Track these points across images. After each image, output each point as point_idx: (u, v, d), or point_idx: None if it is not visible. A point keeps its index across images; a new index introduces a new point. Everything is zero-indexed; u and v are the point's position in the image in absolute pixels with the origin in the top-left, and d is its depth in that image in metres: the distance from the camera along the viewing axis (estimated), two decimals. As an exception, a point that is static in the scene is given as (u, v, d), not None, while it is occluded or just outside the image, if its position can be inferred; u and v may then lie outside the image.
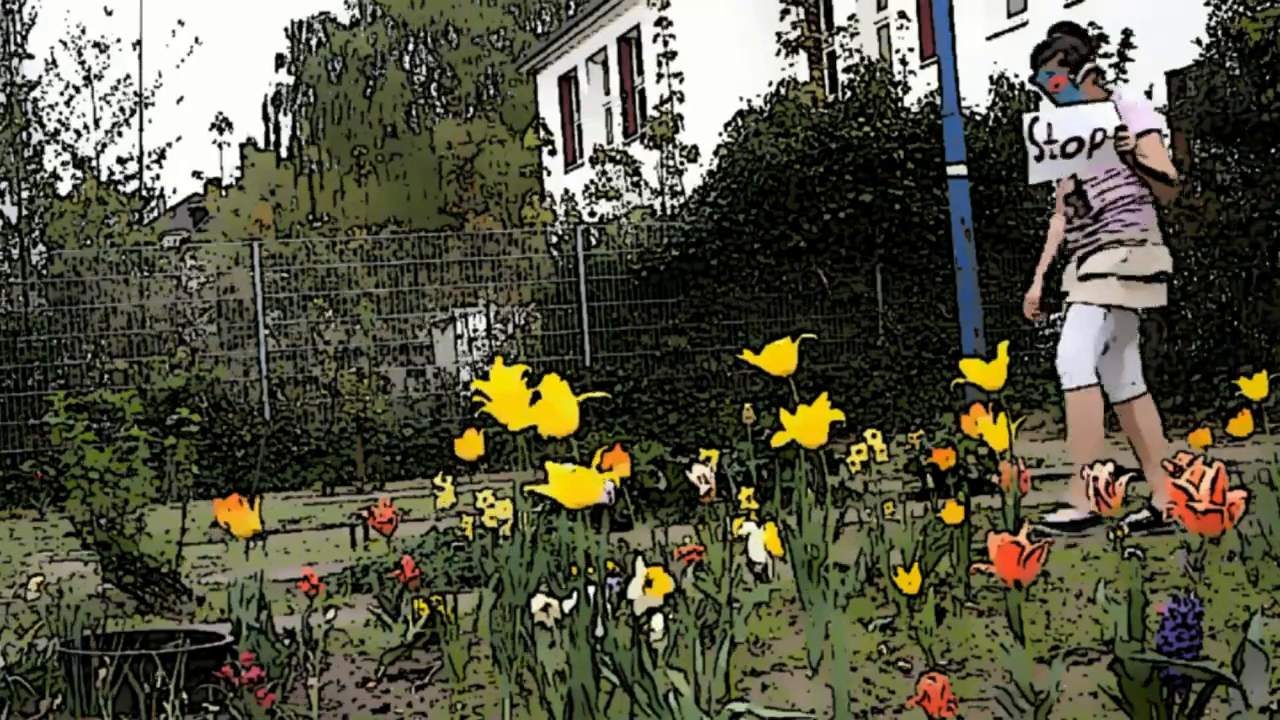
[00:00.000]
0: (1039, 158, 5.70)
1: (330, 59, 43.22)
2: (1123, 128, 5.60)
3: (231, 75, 79.33)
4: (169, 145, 17.63)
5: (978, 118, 15.11)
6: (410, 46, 44.09)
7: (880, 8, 24.34)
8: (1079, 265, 5.98)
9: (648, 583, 2.94)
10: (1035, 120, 5.71)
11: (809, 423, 3.17)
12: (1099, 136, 5.60)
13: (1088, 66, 5.92)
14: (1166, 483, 5.09)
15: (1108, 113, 5.63)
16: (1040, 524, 5.75)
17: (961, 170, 11.39)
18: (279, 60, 45.23)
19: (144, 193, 17.60)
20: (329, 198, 37.85)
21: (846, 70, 16.23)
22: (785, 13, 18.42)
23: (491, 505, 4.04)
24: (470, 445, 4.72)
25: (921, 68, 17.67)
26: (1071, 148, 5.66)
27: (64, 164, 16.03)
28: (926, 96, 15.09)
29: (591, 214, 16.14)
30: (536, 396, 3.05)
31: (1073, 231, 6.02)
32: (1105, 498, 3.57)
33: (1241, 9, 12.13)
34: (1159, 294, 5.93)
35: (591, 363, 14.69)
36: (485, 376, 4.41)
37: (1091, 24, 13.55)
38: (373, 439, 14.13)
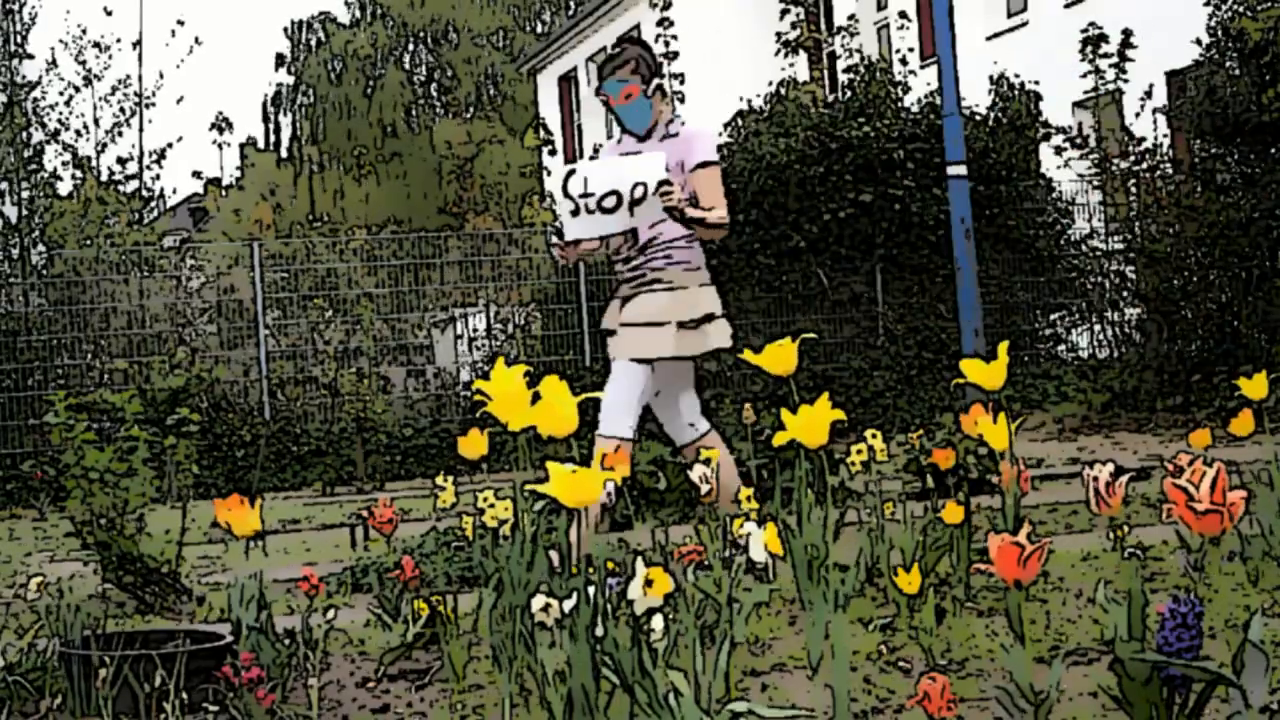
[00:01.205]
0: (575, 212, 5.23)
1: (330, 59, 43.24)
2: (666, 182, 5.13)
3: (231, 75, 79.35)
4: (169, 145, 17.62)
5: (978, 118, 15.10)
6: (410, 46, 44.12)
7: (880, 8, 24.34)
8: (623, 305, 5.55)
9: (648, 583, 2.95)
10: (571, 173, 5.26)
11: (811, 422, 3.18)
12: (639, 192, 5.15)
13: (656, 82, 5.46)
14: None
15: (651, 165, 5.18)
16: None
17: (961, 170, 11.38)
18: (279, 60, 45.24)
19: (144, 193, 17.59)
20: (329, 198, 37.86)
21: (846, 70, 16.22)
22: (785, 13, 18.41)
23: (491, 505, 4.04)
24: (473, 445, 4.71)
25: (921, 68, 17.68)
26: (609, 203, 5.19)
27: (64, 164, 16.03)
28: (926, 96, 15.08)
29: (591, 214, 16.11)
30: (537, 397, 3.05)
31: (619, 264, 5.56)
32: (1105, 498, 3.56)
33: (1241, 9, 12.13)
34: (713, 335, 5.50)
35: (591, 363, 14.68)
36: (485, 376, 4.43)
37: (1091, 24, 13.57)
38: (373, 439, 14.12)
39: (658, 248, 5.44)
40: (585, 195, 5.22)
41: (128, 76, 17.13)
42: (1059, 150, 13.65)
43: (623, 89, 5.45)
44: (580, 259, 5.71)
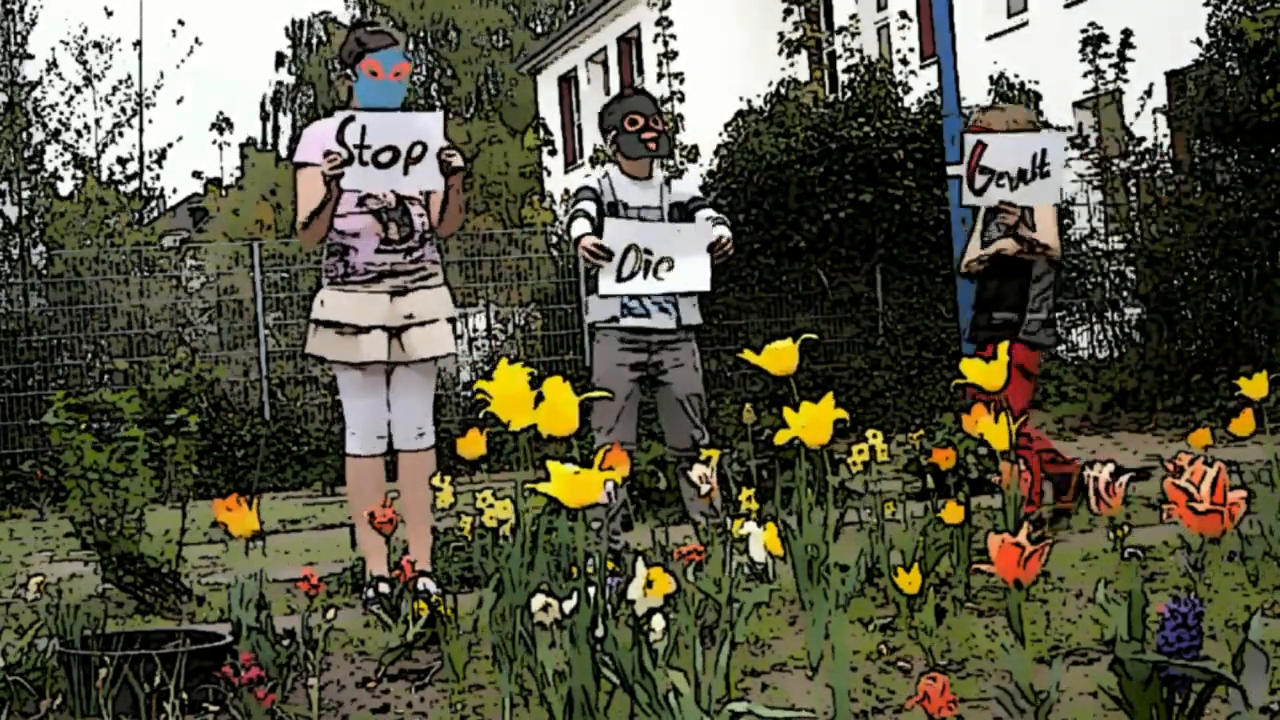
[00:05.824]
0: (348, 162, 4.90)
1: (330, 59, 43.23)
2: (452, 144, 4.98)
3: (231, 75, 79.28)
4: (169, 145, 17.63)
5: (978, 118, 15.08)
6: (410, 46, 44.11)
7: (880, 8, 24.34)
8: (396, 297, 5.14)
9: (648, 583, 2.94)
10: (349, 120, 4.90)
11: (814, 421, 3.17)
12: (417, 150, 4.90)
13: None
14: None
15: (431, 123, 4.97)
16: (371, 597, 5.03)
17: (961, 170, 11.36)
18: (279, 60, 45.28)
19: (144, 193, 17.59)
20: (329, 198, 37.79)
21: (847, 70, 16.22)
22: (788, 13, 18.40)
23: (491, 505, 4.04)
24: (472, 445, 4.71)
25: (921, 68, 17.66)
26: (385, 157, 4.90)
27: (65, 164, 16.03)
28: (926, 96, 15.08)
29: (591, 214, 16.11)
30: (539, 397, 3.05)
31: (392, 254, 5.13)
32: (1105, 498, 3.56)
33: (1241, 9, 12.13)
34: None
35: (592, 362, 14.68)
36: (485, 376, 4.42)
37: (1091, 24, 13.57)
38: (373, 439, 14.10)
39: (429, 242, 5.21)
40: (362, 146, 4.89)
41: (128, 76, 17.14)
42: (1059, 150, 13.62)
43: (396, 64, 5.10)
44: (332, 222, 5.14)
